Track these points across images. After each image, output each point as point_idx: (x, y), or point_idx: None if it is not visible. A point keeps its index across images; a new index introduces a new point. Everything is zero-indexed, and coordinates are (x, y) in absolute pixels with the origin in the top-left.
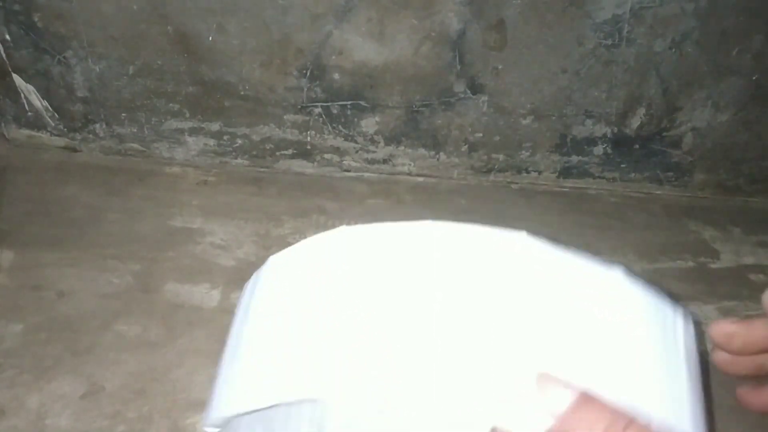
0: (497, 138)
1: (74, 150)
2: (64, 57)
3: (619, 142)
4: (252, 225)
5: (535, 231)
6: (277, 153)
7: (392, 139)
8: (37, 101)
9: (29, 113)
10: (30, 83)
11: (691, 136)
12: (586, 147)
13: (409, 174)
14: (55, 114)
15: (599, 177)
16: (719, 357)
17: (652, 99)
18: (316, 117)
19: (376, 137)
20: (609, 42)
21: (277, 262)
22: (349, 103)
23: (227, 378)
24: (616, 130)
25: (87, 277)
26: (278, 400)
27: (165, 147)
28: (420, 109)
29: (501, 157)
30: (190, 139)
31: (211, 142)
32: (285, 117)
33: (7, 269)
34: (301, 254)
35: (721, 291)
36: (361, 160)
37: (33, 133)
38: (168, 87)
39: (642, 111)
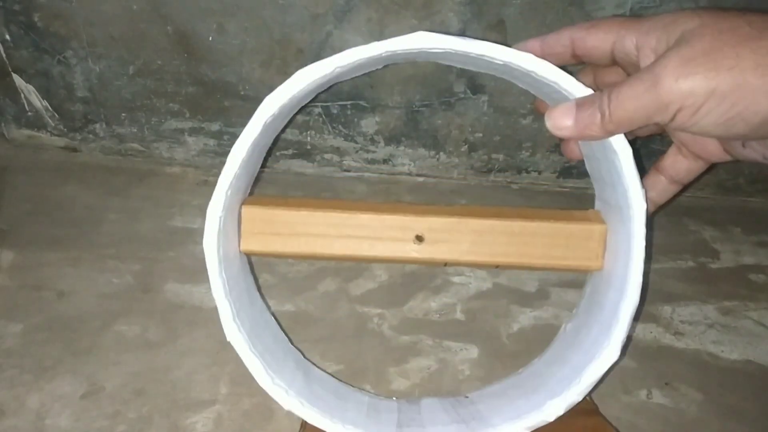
0: (497, 138)
1: (74, 150)
2: (64, 57)
3: None
4: None
5: None
6: (277, 153)
7: (392, 139)
8: (37, 101)
9: (29, 113)
10: (30, 83)
11: None
12: None
13: (409, 174)
14: (55, 114)
15: None
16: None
17: None
18: (316, 117)
19: (376, 137)
20: None
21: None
22: (349, 103)
23: None
24: None
25: (87, 277)
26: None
27: (165, 147)
28: (420, 109)
29: (501, 157)
30: (190, 139)
31: (211, 142)
32: None
33: (7, 269)
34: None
35: (721, 291)
36: (361, 160)
37: (33, 133)
38: (168, 87)
39: None
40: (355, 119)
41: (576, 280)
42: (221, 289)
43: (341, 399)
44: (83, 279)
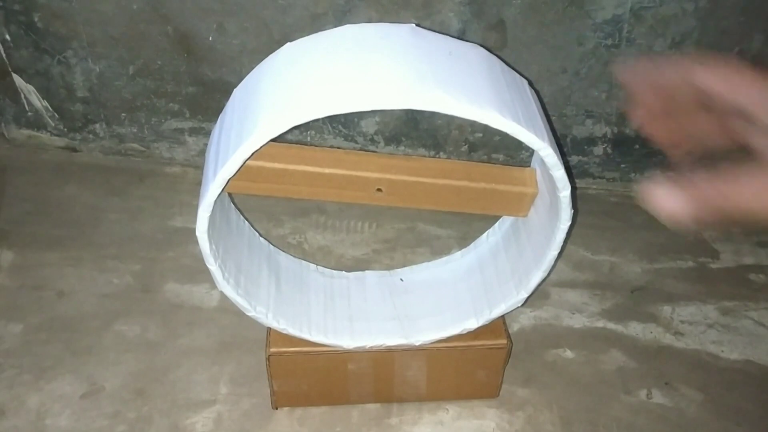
0: (497, 138)
1: (74, 150)
2: (64, 57)
3: (619, 142)
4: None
5: None
6: None
7: (392, 139)
8: (37, 101)
9: (29, 113)
10: (30, 83)
11: None
12: (586, 147)
13: None
14: (55, 114)
15: (599, 177)
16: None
17: None
18: None
19: (376, 137)
20: (609, 42)
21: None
22: None
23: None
24: (616, 130)
25: (87, 277)
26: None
27: (165, 147)
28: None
29: (501, 157)
30: (190, 139)
31: None
32: None
33: (7, 269)
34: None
35: (721, 291)
36: None
37: (33, 133)
38: (168, 87)
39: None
40: (355, 119)
41: (576, 279)
42: (205, 232)
43: (304, 293)
44: (83, 279)
